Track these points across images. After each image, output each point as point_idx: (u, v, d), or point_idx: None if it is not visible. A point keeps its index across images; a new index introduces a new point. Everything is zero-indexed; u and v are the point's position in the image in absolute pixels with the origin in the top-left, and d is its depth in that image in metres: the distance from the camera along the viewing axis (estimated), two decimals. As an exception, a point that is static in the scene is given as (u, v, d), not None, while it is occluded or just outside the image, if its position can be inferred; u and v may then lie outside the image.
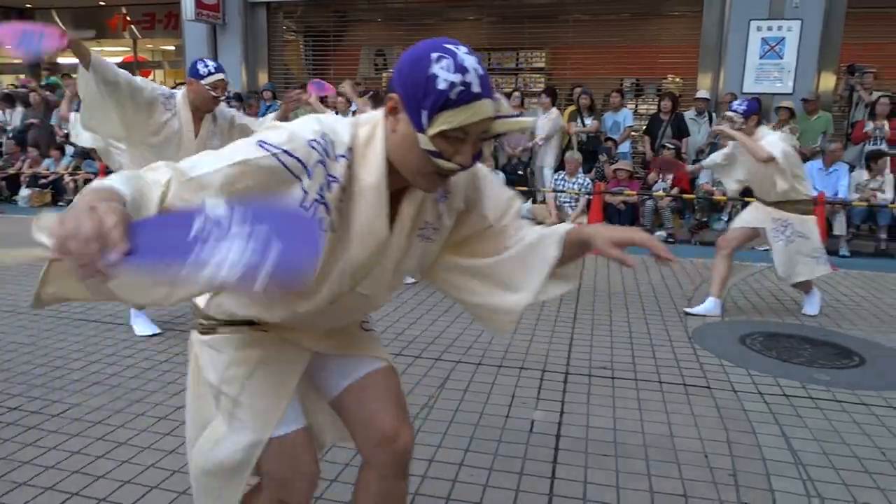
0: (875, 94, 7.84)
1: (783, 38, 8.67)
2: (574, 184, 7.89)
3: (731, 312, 4.61)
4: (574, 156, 8.04)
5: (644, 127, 8.97)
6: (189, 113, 3.63)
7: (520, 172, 8.75)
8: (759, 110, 4.38)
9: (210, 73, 3.59)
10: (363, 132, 1.26)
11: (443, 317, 4.33)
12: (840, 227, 7.16)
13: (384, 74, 11.94)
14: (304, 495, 1.46)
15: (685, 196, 7.74)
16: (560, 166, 8.47)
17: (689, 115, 8.49)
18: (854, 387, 3.30)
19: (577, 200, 7.92)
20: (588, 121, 8.64)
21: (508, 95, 9.28)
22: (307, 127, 1.21)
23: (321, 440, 1.71)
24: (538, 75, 11.22)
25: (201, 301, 1.44)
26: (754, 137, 4.26)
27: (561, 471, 2.46)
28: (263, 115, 9.69)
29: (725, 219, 7.52)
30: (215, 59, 11.05)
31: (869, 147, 7.64)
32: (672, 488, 2.35)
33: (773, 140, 4.24)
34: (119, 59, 16.40)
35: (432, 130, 1.16)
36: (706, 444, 2.67)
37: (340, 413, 1.59)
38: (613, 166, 7.95)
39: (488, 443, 2.66)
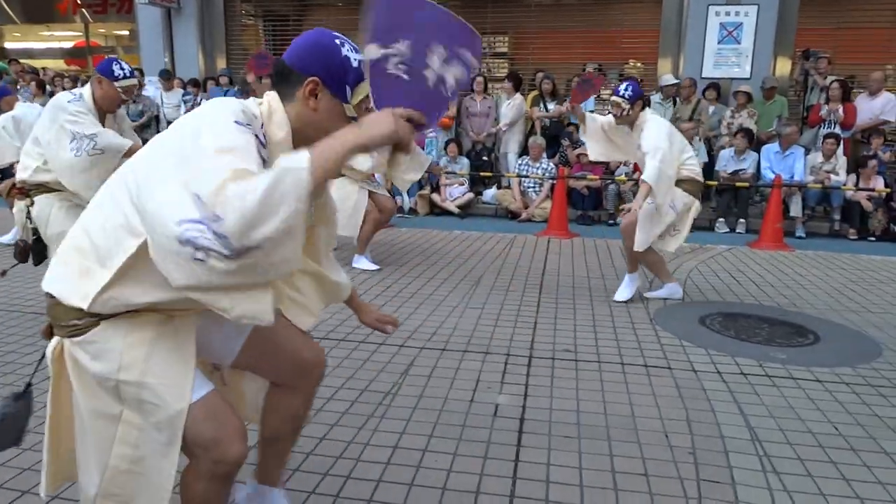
0: (829, 79, 8.02)
1: (741, 24, 8.79)
2: (538, 169, 7.91)
3: (691, 293, 4.69)
4: (537, 141, 8.06)
5: (607, 112, 9.01)
6: (95, 113, 3.49)
7: (484, 158, 8.75)
8: (643, 94, 4.26)
9: (125, 77, 3.49)
10: (263, 108, 1.47)
11: (407, 303, 4.31)
12: (796, 208, 7.34)
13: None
14: (237, 450, 1.47)
15: (647, 180, 7.82)
16: (524, 152, 8.49)
17: (655, 98, 8.57)
18: (809, 364, 3.38)
19: (541, 185, 7.95)
20: (551, 106, 8.66)
21: (472, 80, 9.25)
22: (233, 106, 1.38)
23: None
24: (501, 60, 11.19)
25: (77, 302, 1.41)
26: (638, 122, 4.16)
27: (525, 453, 2.47)
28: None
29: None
30: (171, 43, 10.84)
31: (824, 130, 7.82)
32: (633, 467, 2.38)
33: (655, 129, 4.09)
34: (70, 45, 15.86)
35: (355, 100, 1.47)
36: (666, 424, 2.71)
37: (249, 366, 1.74)
38: (576, 151, 8.00)
39: (453, 428, 2.66)
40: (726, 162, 7.75)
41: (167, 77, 9.85)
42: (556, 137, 8.49)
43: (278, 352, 1.73)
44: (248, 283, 1.27)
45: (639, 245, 4.19)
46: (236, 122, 1.33)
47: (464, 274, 5.11)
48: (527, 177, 7.88)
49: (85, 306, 1.40)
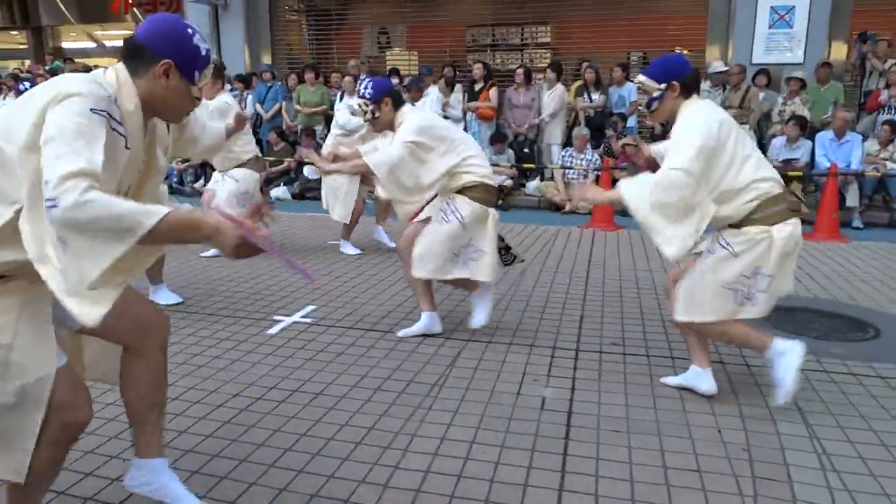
0: (888, 62, 7.68)
1: (793, 7, 8.49)
2: (582, 160, 7.81)
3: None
4: (581, 132, 7.95)
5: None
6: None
7: (526, 150, 8.68)
8: (391, 89, 3.40)
9: None
10: (110, 79, 1.65)
11: (451, 296, 4.31)
12: (853, 198, 7.06)
13: (387, 53, 11.82)
14: (86, 414, 1.66)
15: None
16: (567, 143, 8.39)
17: (704, 87, 8.36)
18: (870, 359, 3.26)
19: (585, 176, 7.85)
20: (595, 96, 8.53)
21: (513, 71, 9.18)
22: (88, 87, 1.51)
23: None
24: (543, 50, 11.07)
25: None
26: (397, 121, 3.39)
27: (573, 447, 2.45)
28: (264, 95, 9.65)
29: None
30: (218, 40, 11.04)
31: (883, 116, 7.50)
32: (685, 463, 2.33)
33: (409, 126, 3.32)
34: (121, 43, 16.25)
35: (201, 83, 1.72)
36: (719, 419, 2.65)
37: (96, 332, 1.74)
38: (621, 141, 7.85)
39: (500, 420, 2.65)
40: (778, 151, 7.51)
41: (218, 73, 10.03)
42: (601, 128, 8.35)
43: (123, 315, 1.73)
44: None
45: (417, 272, 3.40)
46: (92, 109, 1.48)
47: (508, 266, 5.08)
48: (570, 168, 7.78)
49: None
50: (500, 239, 3.57)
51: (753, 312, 2.64)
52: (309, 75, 9.19)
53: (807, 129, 7.51)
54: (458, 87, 8.77)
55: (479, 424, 2.62)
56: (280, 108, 9.52)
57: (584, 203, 7.56)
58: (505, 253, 3.65)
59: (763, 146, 7.85)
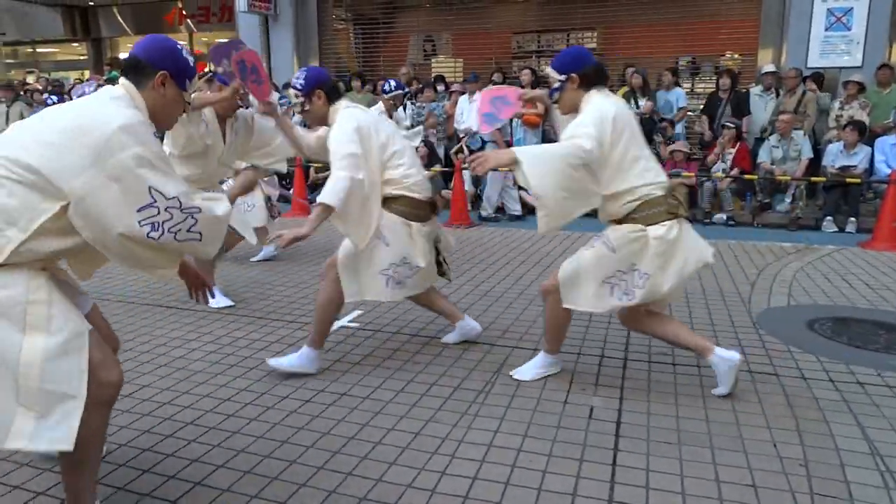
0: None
1: (851, 8, 8.22)
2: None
3: (797, 296, 4.43)
4: (628, 137, 7.85)
5: (702, 106, 8.68)
6: (216, 121, 3.85)
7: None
8: (325, 79, 3.10)
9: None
10: (125, 94, 1.92)
11: (497, 302, 4.30)
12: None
13: (433, 60, 11.90)
14: (117, 370, 1.85)
15: (746, 177, 7.47)
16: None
17: (755, 91, 8.16)
18: (934, 374, 3.12)
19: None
20: (641, 102, 8.41)
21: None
22: (129, 113, 1.83)
23: None
24: (590, 56, 10.98)
25: None
26: (331, 120, 3.06)
27: (623, 458, 2.41)
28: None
29: (789, 200, 7.22)
30: (268, 49, 11.30)
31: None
32: (739, 478, 2.27)
33: (338, 127, 2.99)
34: (176, 54, 16.73)
35: (191, 90, 2.04)
36: (775, 433, 2.57)
37: (92, 321, 1.93)
38: (670, 147, 7.73)
39: (547, 428, 2.63)
40: (834, 157, 7.27)
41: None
42: (648, 134, 8.22)
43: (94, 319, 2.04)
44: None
45: (348, 296, 3.06)
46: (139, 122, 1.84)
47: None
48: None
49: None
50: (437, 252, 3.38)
51: (625, 304, 2.77)
52: (356, 83, 9.32)
53: (866, 133, 7.26)
54: (504, 93, 8.76)
55: (526, 432, 2.61)
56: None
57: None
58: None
59: (818, 152, 7.62)
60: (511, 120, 8.58)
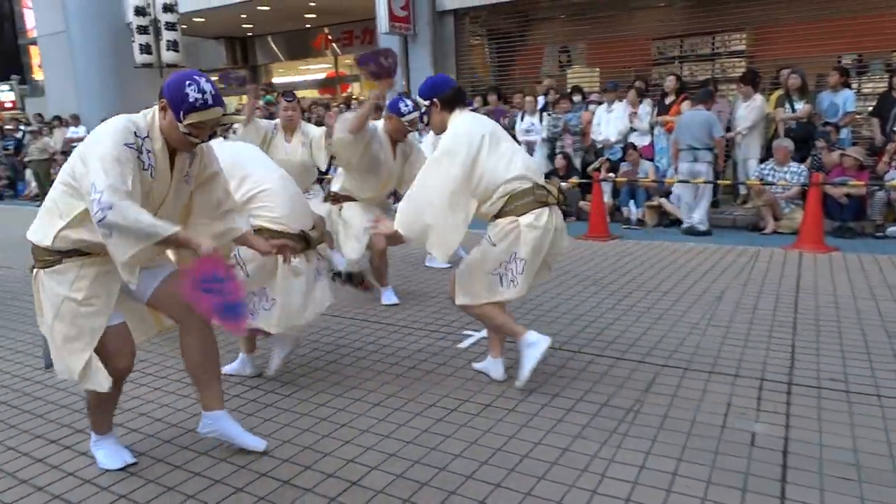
0: None
1: None
2: (786, 173, 7.15)
3: None
4: (782, 143, 7.29)
5: (870, 108, 7.89)
6: (389, 142, 4.42)
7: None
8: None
9: (409, 113, 4.32)
10: (148, 119, 2.32)
11: (641, 319, 4.14)
12: None
13: (568, 71, 11.78)
14: (125, 363, 2.37)
15: (926, 185, 6.66)
16: (764, 157, 7.73)
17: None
18: None
19: (787, 191, 7.17)
20: (798, 105, 7.77)
21: (702, 84, 8.67)
22: (126, 126, 2.24)
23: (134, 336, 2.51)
24: (738, 59, 10.36)
25: (45, 242, 2.27)
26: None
27: (792, 491, 2.22)
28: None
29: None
30: (407, 68, 11.73)
31: None
32: (937, 524, 2.01)
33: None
34: (323, 76, 17.92)
35: (186, 122, 2.26)
36: (979, 476, 2.26)
37: (158, 306, 2.49)
38: (836, 153, 7.06)
39: (703, 453, 2.48)
40: None
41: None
42: (806, 139, 7.59)
43: (173, 296, 2.41)
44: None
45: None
46: (125, 144, 2.20)
47: (703, 289, 4.78)
48: (772, 184, 7.14)
49: (49, 244, 2.26)
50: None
51: (514, 293, 3.00)
52: (492, 97, 9.43)
53: None
54: (647, 100, 8.48)
55: (680, 456, 2.47)
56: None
57: (787, 222, 6.92)
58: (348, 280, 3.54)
59: None
60: (653, 126, 8.29)
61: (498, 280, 3.00)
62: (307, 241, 3.10)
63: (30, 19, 21.91)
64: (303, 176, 5.03)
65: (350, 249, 4.47)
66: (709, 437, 2.60)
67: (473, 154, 2.94)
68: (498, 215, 2.99)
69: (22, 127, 14.91)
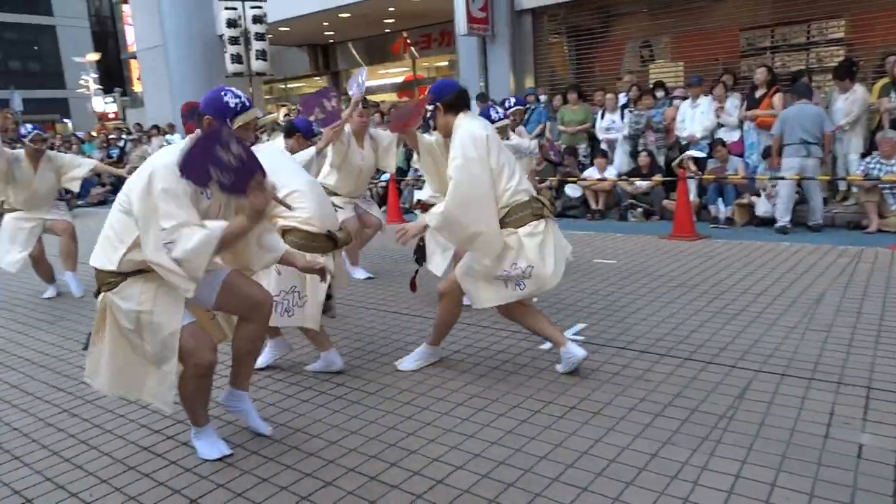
0: None
1: None
2: (894, 166, 6.67)
3: None
4: (888, 134, 6.82)
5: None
6: (354, 139, 4.98)
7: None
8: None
9: (500, 119, 4.45)
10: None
11: (733, 321, 3.97)
12: None
13: (650, 66, 11.45)
14: (208, 357, 2.50)
15: None
16: (867, 152, 7.24)
17: None
18: None
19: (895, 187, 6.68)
20: (906, 94, 7.23)
21: (795, 76, 8.22)
22: (171, 158, 2.39)
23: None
24: (835, 48, 9.75)
25: (108, 267, 2.45)
26: None
27: (906, 508, 2.07)
28: (527, 119, 9.99)
29: None
30: (485, 68, 11.73)
31: None
32: None
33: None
34: (401, 79, 18.20)
35: (235, 126, 2.45)
36: None
37: (221, 307, 2.71)
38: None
39: (805, 465, 2.35)
40: None
41: (483, 100, 10.68)
42: (915, 131, 7.05)
43: (238, 296, 2.65)
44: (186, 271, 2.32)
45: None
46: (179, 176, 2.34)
47: (799, 291, 4.53)
48: (878, 180, 6.67)
49: (114, 269, 2.43)
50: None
51: (523, 294, 3.17)
52: (572, 95, 9.29)
53: None
54: (736, 93, 8.13)
55: (779, 466, 2.36)
56: (543, 129, 9.76)
57: (894, 219, 6.46)
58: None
59: None
60: (742, 123, 7.94)
61: (503, 283, 3.16)
62: (334, 241, 3.33)
63: (130, 35, 23.40)
64: (367, 181, 5.31)
65: (435, 265, 4.44)
66: (810, 448, 2.47)
67: (484, 155, 3.05)
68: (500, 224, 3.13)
69: (124, 136, 15.94)
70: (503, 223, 3.11)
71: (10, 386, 3.62)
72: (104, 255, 2.48)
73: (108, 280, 2.47)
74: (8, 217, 5.54)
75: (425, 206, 4.63)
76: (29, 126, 5.50)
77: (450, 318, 3.44)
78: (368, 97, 15.00)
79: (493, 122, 4.24)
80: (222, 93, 2.48)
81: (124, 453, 2.75)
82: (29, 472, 2.65)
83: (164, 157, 2.39)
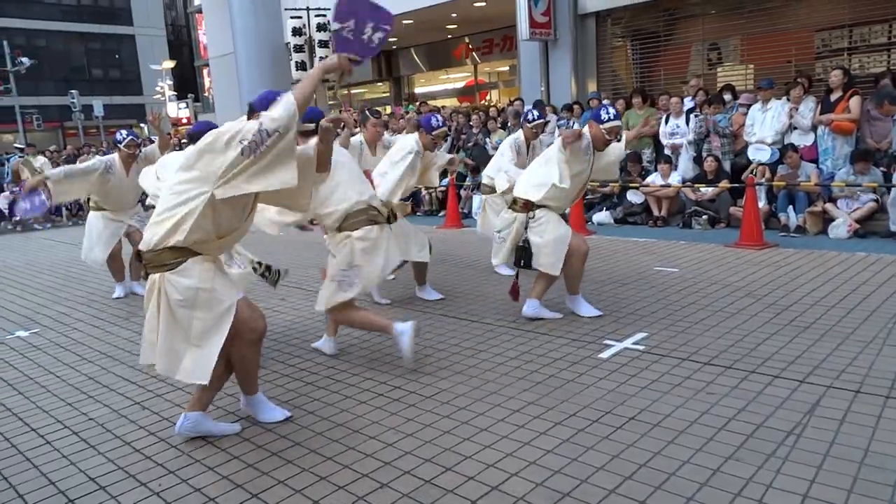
0: None
1: None
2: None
3: None
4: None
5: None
6: (367, 147, 5.48)
7: (882, 169, 7.25)
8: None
9: (535, 120, 4.81)
10: None
11: (803, 334, 3.81)
12: None
13: (718, 69, 11.12)
14: (262, 323, 2.84)
15: None
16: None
17: None
18: None
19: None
20: None
21: (877, 80, 7.81)
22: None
23: None
24: (920, 48, 9.24)
25: (167, 243, 2.61)
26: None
27: None
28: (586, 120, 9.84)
29: None
30: (547, 73, 11.65)
31: None
32: None
33: None
34: (462, 84, 18.28)
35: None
36: None
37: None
38: None
39: (881, 487, 2.24)
40: None
41: (540, 106, 10.61)
42: None
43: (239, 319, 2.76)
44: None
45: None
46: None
47: (876, 303, 4.31)
48: (962, 187, 6.28)
49: (171, 245, 2.62)
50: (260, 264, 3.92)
51: (352, 293, 3.56)
52: (636, 99, 9.12)
53: None
54: (810, 96, 7.79)
55: (851, 487, 2.25)
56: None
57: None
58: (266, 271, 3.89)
59: None
60: (815, 128, 7.60)
61: (336, 286, 3.54)
62: (381, 213, 3.66)
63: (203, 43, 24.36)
64: None
65: (548, 265, 4.24)
66: (886, 470, 2.34)
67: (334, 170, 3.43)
68: (339, 229, 3.56)
69: (195, 140, 16.59)
70: (341, 227, 3.54)
71: (87, 377, 3.83)
72: (156, 238, 2.63)
73: (166, 261, 2.63)
74: (93, 216, 5.86)
75: (528, 205, 4.38)
76: (124, 132, 5.78)
77: (362, 322, 3.72)
78: (431, 102, 15.15)
79: (602, 122, 4.20)
80: (269, 95, 2.72)
81: (190, 447, 2.86)
82: (102, 460, 2.79)
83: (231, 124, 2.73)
